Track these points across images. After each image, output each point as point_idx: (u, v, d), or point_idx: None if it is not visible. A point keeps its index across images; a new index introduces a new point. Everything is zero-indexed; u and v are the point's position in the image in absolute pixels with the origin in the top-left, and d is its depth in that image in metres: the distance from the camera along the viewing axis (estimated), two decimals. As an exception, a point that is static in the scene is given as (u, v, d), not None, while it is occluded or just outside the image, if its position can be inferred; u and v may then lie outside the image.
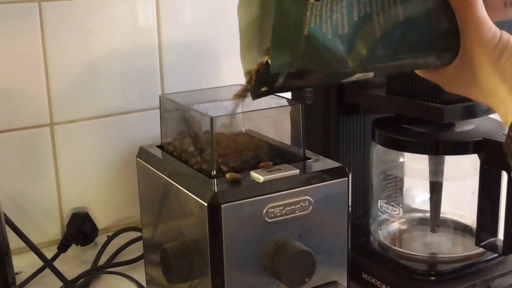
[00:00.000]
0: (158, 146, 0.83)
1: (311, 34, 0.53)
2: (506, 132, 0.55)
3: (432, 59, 0.59)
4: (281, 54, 0.54)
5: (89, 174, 1.08)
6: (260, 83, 0.58)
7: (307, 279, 0.69)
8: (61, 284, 0.90)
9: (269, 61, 0.54)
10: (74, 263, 1.01)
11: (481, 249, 0.83)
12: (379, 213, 0.92)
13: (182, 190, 0.71)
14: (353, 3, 0.55)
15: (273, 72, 0.54)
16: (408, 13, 0.56)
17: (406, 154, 0.89)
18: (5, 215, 0.84)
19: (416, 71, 0.64)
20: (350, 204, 0.73)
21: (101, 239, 1.06)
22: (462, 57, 0.58)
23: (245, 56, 0.60)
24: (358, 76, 0.57)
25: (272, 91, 0.59)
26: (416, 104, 0.80)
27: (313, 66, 0.54)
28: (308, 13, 0.53)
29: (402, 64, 0.58)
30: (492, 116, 0.84)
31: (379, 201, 0.92)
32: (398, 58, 0.56)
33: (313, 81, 0.58)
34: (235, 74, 1.15)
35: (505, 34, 0.56)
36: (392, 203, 0.91)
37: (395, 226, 0.93)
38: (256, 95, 0.60)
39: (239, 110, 0.86)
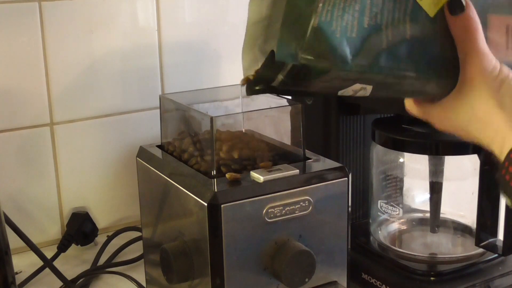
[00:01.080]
0: (158, 146, 0.83)
1: (320, 27, 0.53)
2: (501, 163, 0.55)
3: (431, 85, 0.59)
4: (288, 42, 0.53)
5: (89, 174, 1.08)
6: (259, 80, 0.58)
7: (307, 279, 0.69)
8: (61, 283, 0.90)
9: (275, 49, 0.54)
10: (74, 263, 1.01)
11: (481, 249, 0.83)
12: (379, 213, 0.92)
13: (182, 190, 0.71)
14: (365, 10, 0.55)
15: (277, 60, 0.54)
16: (415, 32, 0.57)
17: (406, 154, 0.89)
18: (5, 215, 0.84)
19: (409, 109, 0.65)
20: (350, 204, 0.73)
21: (101, 239, 1.06)
22: (461, 86, 0.58)
23: (246, 53, 0.60)
24: (356, 88, 0.57)
25: (267, 89, 0.59)
26: (416, 104, 0.80)
27: (316, 61, 0.54)
28: (320, 5, 0.53)
29: (402, 83, 0.58)
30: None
31: (379, 201, 0.92)
32: (400, 73, 0.57)
33: (309, 86, 0.57)
34: (235, 74, 1.15)
35: (505, 67, 0.57)
36: (392, 203, 0.91)
37: (395, 226, 0.93)
38: (252, 91, 0.60)
39: (239, 110, 0.87)
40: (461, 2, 0.57)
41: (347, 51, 0.54)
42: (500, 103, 0.56)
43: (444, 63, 0.59)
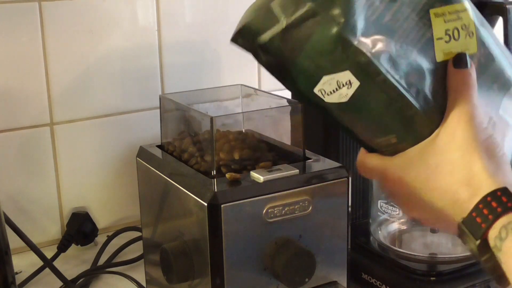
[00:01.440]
0: (158, 146, 0.83)
1: None
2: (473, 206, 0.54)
3: (410, 122, 0.58)
4: None
5: (89, 174, 1.08)
6: (248, 31, 0.56)
7: (307, 279, 0.69)
8: (61, 283, 0.90)
9: None
10: (74, 263, 1.01)
11: (481, 249, 0.83)
12: (379, 213, 0.92)
13: (182, 190, 0.71)
14: (391, 8, 0.55)
15: None
16: (418, 60, 0.57)
17: (406, 154, 0.88)
18: (5, 215, 0.84)
19: (363, 161, 0.64)
20: (350, 204, 0.73)
21: (101, 239, 1.06)
22: (440, 131, 0.58)
23: (252, 8, 0.58)
24: (343, 79, 0.55)
25: (251, 47, 0.57)
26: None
27: (329, 12, 0.52)
28: None
29: (387, 101, 0.57)
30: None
31: (379, 201, 0.92)
32: (391, 82, 0.56)
33: (299, 57, 0.55)
34: (235, 74, 1.15)
35: (490, 127, 0.59)
36: (392, 203, 0.91)
37: (395, 226, 0.93)
38: (235, 39, 0.58)
39: (239, 110, 0.87)
40: (467, 60, 0.59)
41: (360, 25, 0.53)
42: (483, 153, 0.56)
43: (432, 101, 0.58)
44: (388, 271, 0.85)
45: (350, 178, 0.73)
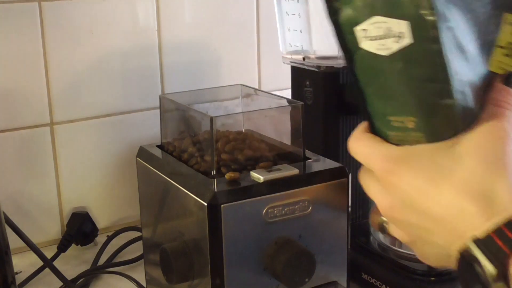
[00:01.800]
0: (158, 146, 0.83)
1: None
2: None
3: (440, 112, 0.53)
4: None
5: (89, 174, 1.08)
6: None
7: (307, 279, 0.69)
8: (61, 283, 0.90)
9: None
10: (74, 262, 1.01)
11: (481, 249, 0.83)
12: (379, 213, 0.92)
13: (182, 190, 0.71)
14: None
15: None
16: (474, 55, 0.52)
17: (406, 154, 0.88)
18: (5, 215, 0.84)
19: (365, 138, 0.60)
20: (350, 204, 0.73)
21: (101, 239, 1.06)
22: (468, 137, 0.53)
23: None
24: (396, 30, 0.49)
25: None
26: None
27: None
28: None
29: (429, 72, 0.51)
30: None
31: (379, 201, 0.91)
32: (444, 58, 0.50)
33: None
34: (235, 74, 1.15)
35: None
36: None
37: (395, 226, 0.93)
38: None
39: (239, 110, 0.87)
40: None
41: None
42: (511, 174, 0.51)
43: (470, 103, 0.53)
44: (388, 271, 0.85)
45: (350, 178, 0.73)
